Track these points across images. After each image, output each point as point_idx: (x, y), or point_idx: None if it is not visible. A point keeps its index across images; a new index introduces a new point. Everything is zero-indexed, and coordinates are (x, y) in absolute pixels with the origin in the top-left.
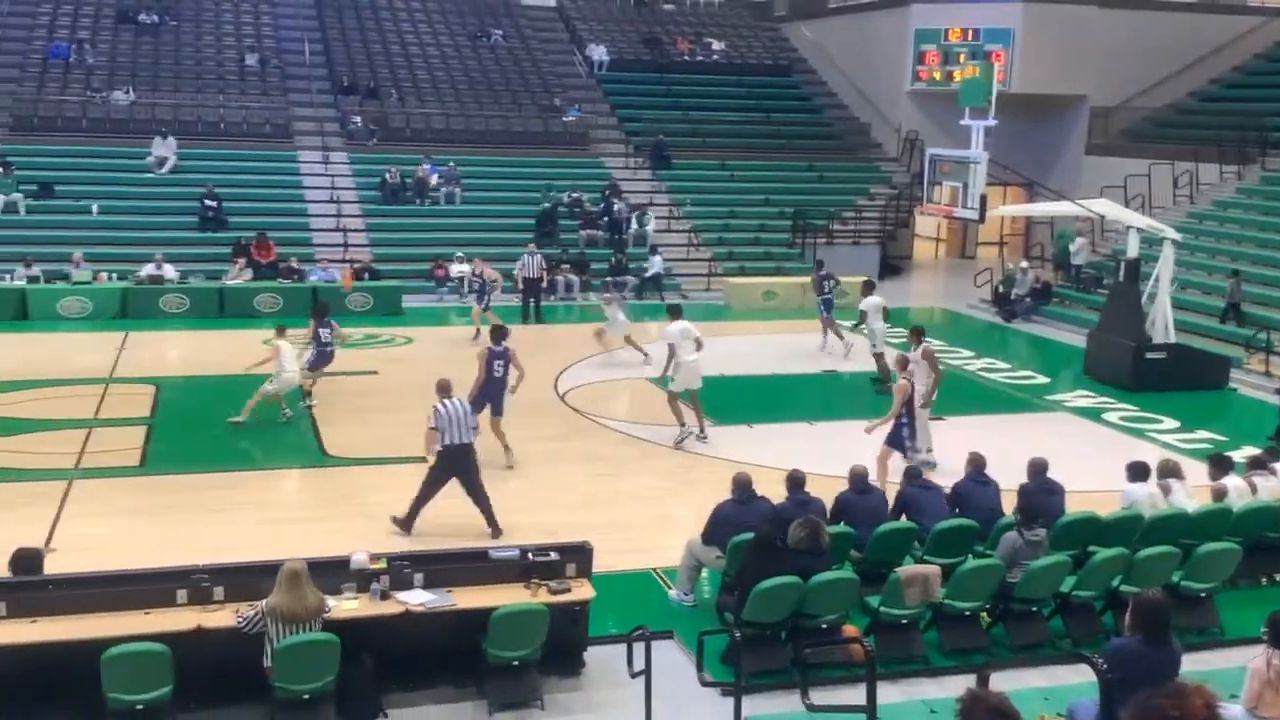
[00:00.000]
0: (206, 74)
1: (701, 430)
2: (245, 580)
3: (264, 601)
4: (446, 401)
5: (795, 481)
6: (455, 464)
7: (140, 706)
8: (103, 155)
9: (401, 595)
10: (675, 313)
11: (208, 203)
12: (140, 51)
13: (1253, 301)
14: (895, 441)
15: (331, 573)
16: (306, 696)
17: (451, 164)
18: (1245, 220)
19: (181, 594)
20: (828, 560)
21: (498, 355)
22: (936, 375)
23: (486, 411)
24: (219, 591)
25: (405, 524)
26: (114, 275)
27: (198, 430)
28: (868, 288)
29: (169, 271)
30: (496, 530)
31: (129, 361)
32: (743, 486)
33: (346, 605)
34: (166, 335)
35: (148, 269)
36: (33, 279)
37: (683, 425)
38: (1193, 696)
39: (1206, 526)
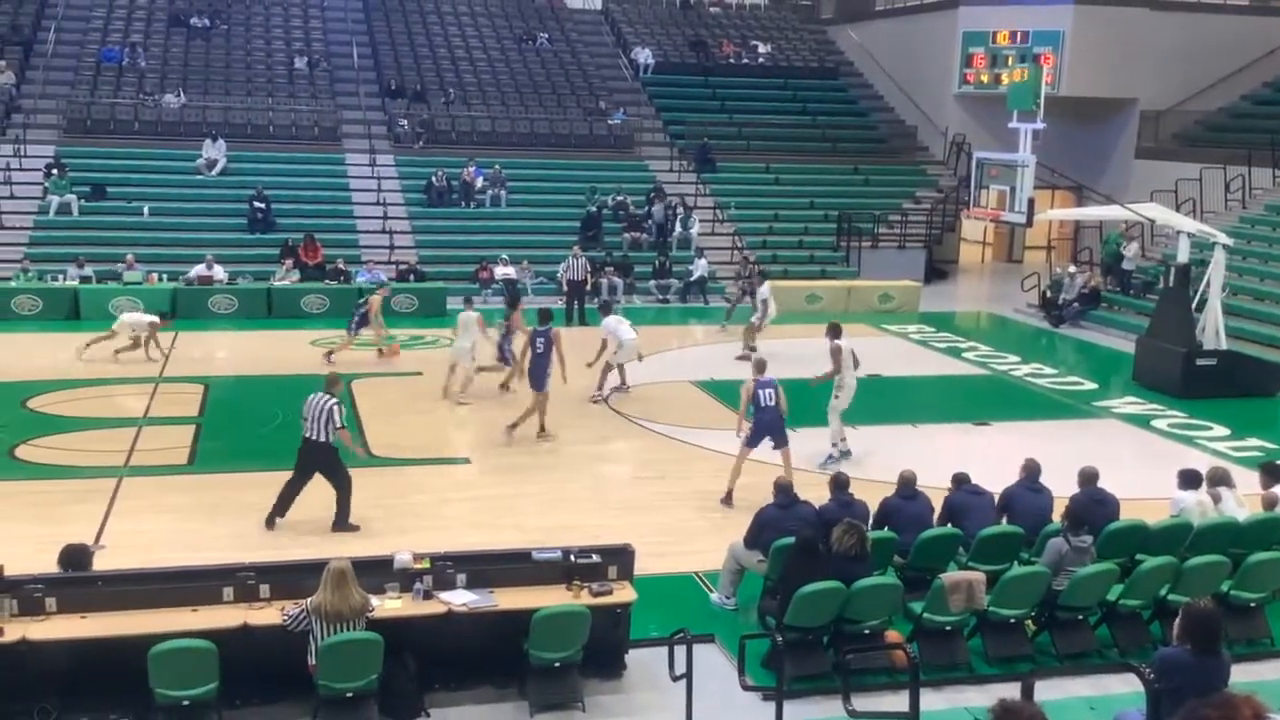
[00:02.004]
0: (256, 77)
1: (624, 383)
2: (291, 578)
3: (309, 600)
4: (316, 395)
5: (839, 483)
6: (309, 459)
7: (186, 702)
8: (154, 157)
9: (444, 595)
10: (606, 309)
11: (256, 204)
12: (191, 55)
13: None
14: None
15: (375, 572)
16: (350, 695)
17: (496, 166)
18: None
19: (228, 591)
20: (870, 567)
21: (540, 335)
22: (833, 369)
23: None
24: (265, 589)
25: (270, 519)
26: (164, 276)
27: (246, 429)
28: (760, 277)
29: (218, 272)
30: (339, 525)
31: (179, 361)
32: (784, 490)
33: (390, 605)
34: (215, 335)
35: (198, 270)
36: (85, 279)
37: (600, 390)
38: (1241, 707)
39: (1257, 535)
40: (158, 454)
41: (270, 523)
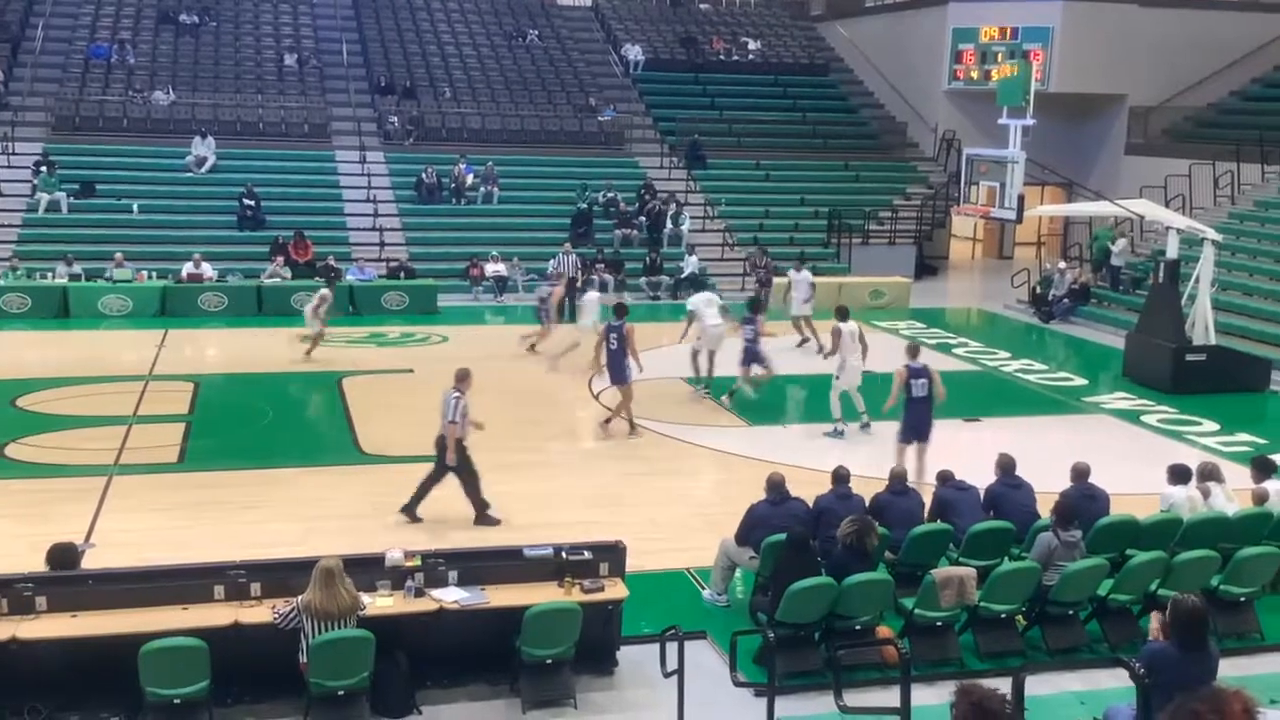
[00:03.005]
0: (245, 74)
1: (706, 376)
2: (282, 576)
3: (299, 598)
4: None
5: (839, 477)
6: (439, 452)
7: (178, 700)
8: (143, 155)
9: (436, 593)
10: (699, 286)
11: (246, 202)
12: (180, 52)
13: None
14: None
15: (367, 570)
16: (341, 693)
17: (489, 164)
18: None
19: (219, 589)
20: (872, 564)
21: (613, 329)
22: (831, 348)
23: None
24: (256, 587)
25: (482, 516)
26: (154, 274)
27: (236, 427)
28: (801, 262)
29: (208, 270)
30: (479, 519)
31: (168, 359)
32: (776, 487)
33: (381, 602)
34: (205, 333)
35: (187, 268)
36: (74, 277)
37: (698, 378)
38: (1231, 701)
39: (1246, 530)
40: (148, 452)
41: (482, 519)
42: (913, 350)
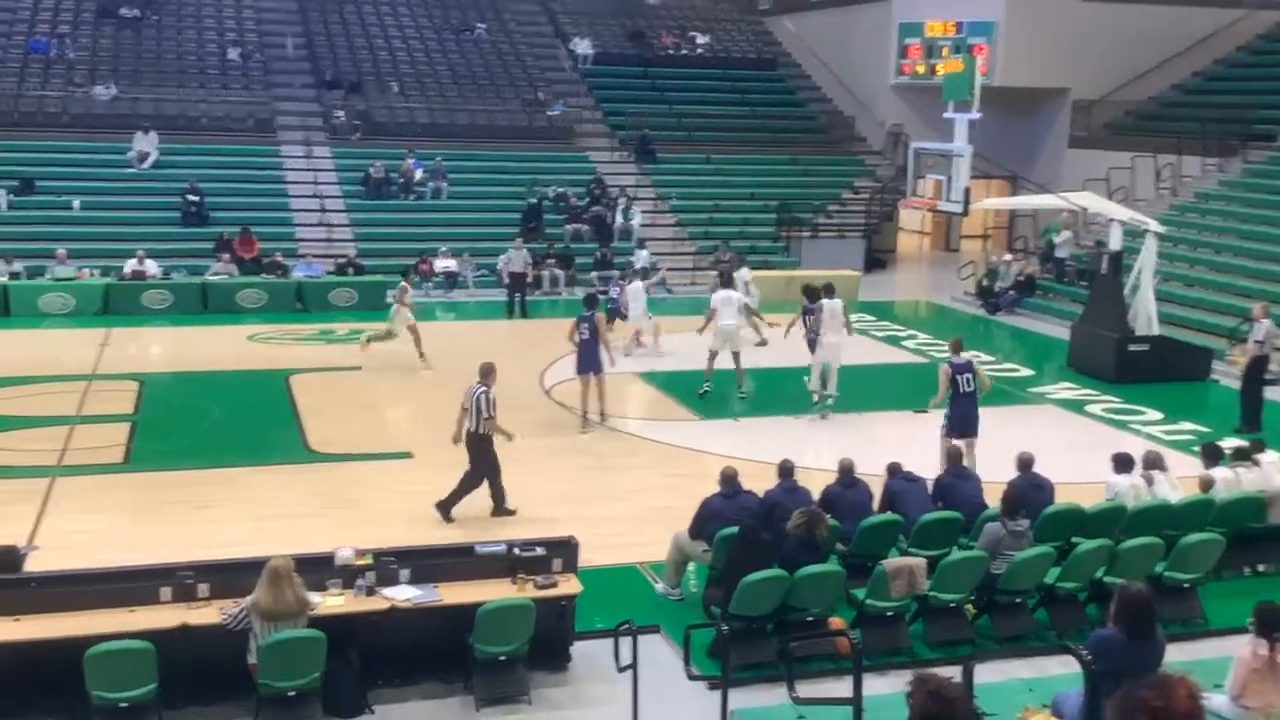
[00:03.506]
0: (188, 68)
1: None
2: (230, 577)
3: (248, 598)
4: (471, 385)
5: (785, 470)
6: (469, 449)
7: (125, 704)
8: (84, 151)
9: (387, 591)
10: (727, 283)
11: (190, 198)
12: (121, 46)
13: (1234, 293)
14: None
15: (317, 569)
16: (292, 693)
17: (438, 159)
18: (1227, 212)
19: (166, 591)
20: (823, 555)
21: (584, 320)
22: (812, 322)
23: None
24: (204, 589)
25: (446, 511)
26: (96, 271)
27: (182, 426)
28: (738, 261)
29: (151, 267)
30: (497, 509)
31: (112, 358)
32: (729, 480)
33: (332, 601)
34: (149, 331)
35: (130, 265)
36: (14, 275)
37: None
38: (1177, 687)
39: (1190, 517)
40: (92, 453)
41: (444, 513)
42: (956, 346)
